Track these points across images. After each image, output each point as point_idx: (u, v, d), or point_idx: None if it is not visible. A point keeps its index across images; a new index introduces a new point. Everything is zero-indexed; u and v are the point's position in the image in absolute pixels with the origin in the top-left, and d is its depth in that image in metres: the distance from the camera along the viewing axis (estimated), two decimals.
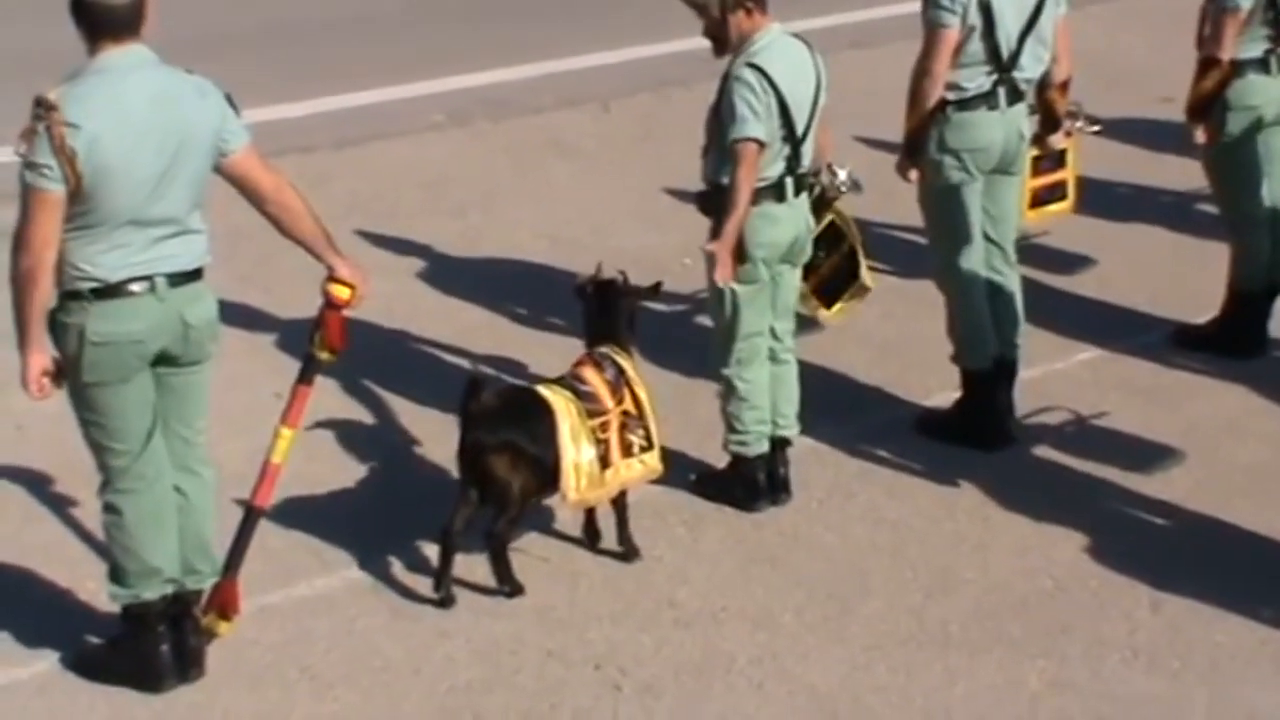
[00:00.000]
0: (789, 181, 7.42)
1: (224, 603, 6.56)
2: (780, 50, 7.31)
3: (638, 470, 7.14)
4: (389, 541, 7.39)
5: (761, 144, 7.21)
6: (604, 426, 7.00)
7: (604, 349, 7.25)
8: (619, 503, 7.22)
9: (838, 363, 8.61)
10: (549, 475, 6.90)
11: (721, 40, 7.36)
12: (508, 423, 6.89)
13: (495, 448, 6.84)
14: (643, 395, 7.19)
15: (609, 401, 7.05)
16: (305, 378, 6.61)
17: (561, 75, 13.18)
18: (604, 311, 7.38)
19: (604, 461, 6.97)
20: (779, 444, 7.67)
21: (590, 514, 7.26)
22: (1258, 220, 8.95)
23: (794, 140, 7.35)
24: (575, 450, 6.89)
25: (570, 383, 7.08)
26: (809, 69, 7.39)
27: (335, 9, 14.73)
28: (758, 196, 7.33)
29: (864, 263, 8.01)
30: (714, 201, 7.37)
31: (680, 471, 7.79)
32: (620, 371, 7.17)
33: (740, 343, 7.54)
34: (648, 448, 7.14)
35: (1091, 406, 8.49)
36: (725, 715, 6.37)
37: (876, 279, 8.08)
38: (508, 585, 6.96)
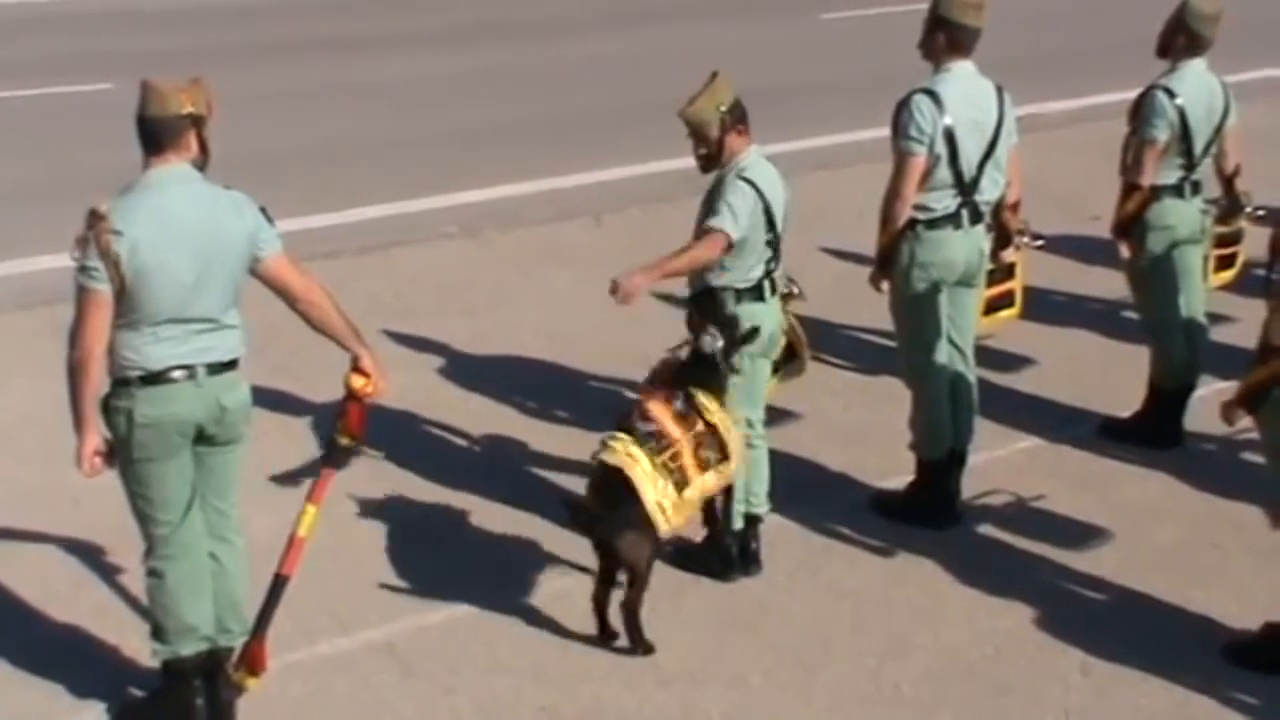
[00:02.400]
0: (766, 284, 7.43)
1: (252, 660, 6.52)
2: (762, 168, 7.36)
3: (713, 481, 7.10)
4: (401, 606, 7.34)
5: (731, 240, 7.23)
6: (675, 455, 6.93)
7: (676, 390, 7.19)
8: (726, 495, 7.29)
9: (805, 449, 8.59)
10: (651, 528, 6.87)
11: (713, 158, 7.38)
12: (611, 508, 6.85)
13: (615, 536, 6.84)
14: (717, 418, 7.12)
15: (676, 430, 6.97)
16: (329, 461, 6.61)
17: (560, 191, 13.21)
18: (701, 369, 7.27)
19: (680, 486, 6.91)
20: (751, 520, 7.62)
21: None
22: (1174, 326, 8.94)
23: (775, 246, 7.37)
24: (654, 490, 6.84)
25: (632, 425, 7.00)
26: (780, 186, 7.43)
27: (359, 131, 14.79)
28: (740, 297, 7.34)
29: (803, 346, 8.07)
30: (704, 302, 7.38)
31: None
32: (690, 399, 7.11)
33: None
34: (723, 459, 7.08)
35: (1029, 490, 8.46)
36: None
37: (838, 371, 8.06)
38: (640, 647, 6.93)
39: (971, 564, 7.74)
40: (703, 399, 7.13)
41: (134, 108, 6.16)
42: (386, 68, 17.10)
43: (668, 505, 6.86)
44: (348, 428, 6.54)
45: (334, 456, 6.62)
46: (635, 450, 6.88)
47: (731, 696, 6.74)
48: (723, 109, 7.28)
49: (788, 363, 8.10)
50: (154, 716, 6.45)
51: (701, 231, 7.33)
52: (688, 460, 6.95)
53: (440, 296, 11.06)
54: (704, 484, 7.05)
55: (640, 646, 6.91)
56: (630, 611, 6.92)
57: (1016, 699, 6.76)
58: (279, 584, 6.55)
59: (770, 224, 7.32)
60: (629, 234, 12.11)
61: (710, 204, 7.34)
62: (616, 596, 6.99)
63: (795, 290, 7.97)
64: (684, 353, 7.36)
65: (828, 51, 17.83)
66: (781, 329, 7.87)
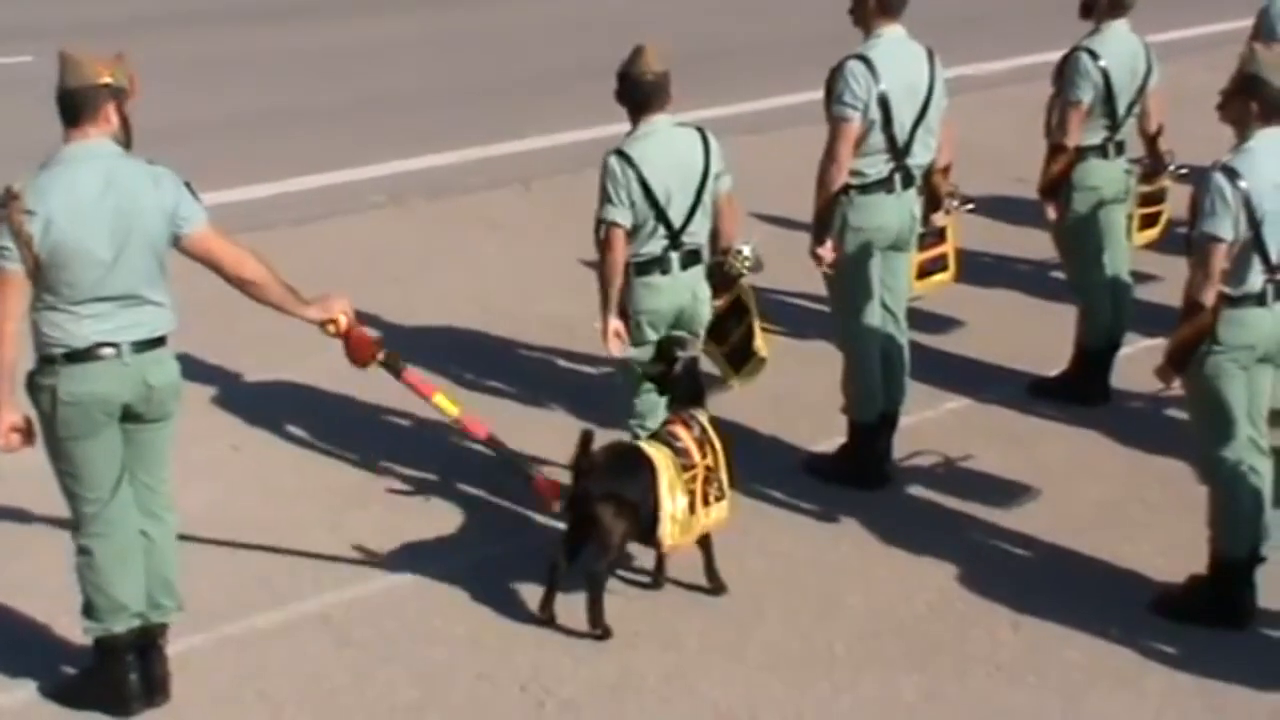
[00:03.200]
0: (673, 256, 7.43)
1: (549, 491, 6.96)
2: (658, 139, 7.34)
3: (714, 516, 7.07)
4: (335, 577, 7.35)
5: (622, 227, 7.29)
6: (693, 478, 6.93)
7: (691, 410, 7.17)
8: (706, 544, 7.14)
9: (737, 413, 8.60)
10: (647, 523, 6.83)
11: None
12: (615, 475, 6.83)
13: (602, 498, 6.77)
14: (719, 451, 7.11)
15: (697, 456, 6.98)
16: (399, 376, 6.97)
17: (488, 159, 13.18)
18: (691, 380, 7.27)
19: (691, 509, 6.91)
20: None
21: (660, 558, 7.19)
22: (1100, 286, 9.03)
23: (665, 220, 7.36)
24: (672, 502, 6.83)
25: (667, 438, 7.01)
26: (693, 155, 7.40)
27: (292, 101, 14.72)
28: (641, 269, 7.37)
29: (759, 336, 7.99)
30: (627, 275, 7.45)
31: None
32: (704, 429, 7.10)
33: (640, 398, 7.55)
34: (721, 497, 7.08)
35: (959, 450, 8.52)
36: None
37: (771, 345, 8.07)
38: (599, 628, 6.83)
39: (902, 524, 7.80)
40: (711, 431, 7.14)
41: (54, 81, 6.12)
42: (313, 36, 17.03)
43: (679, 518, 6.86)
44: (363, 356, 6.80)
45: (396, 370, 6.92)
46: (670, 457, 6.90)
47: (668, 658, 6.78)
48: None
49: (747, 357, 8.02)
50: (87, 693, 6.42)
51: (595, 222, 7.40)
52: (699, 487, 6.97)
53: (369, 266, 11.03)
54: (706, 518, 7.03)
55: (599, 627, 6.84)
56: (595, 583, 6.84)
57: (947, 655, 6.82)
58: (493, 443, 7.03)
59: (651, 201, 7.30)
60: (558, 200, 12.13)
61: None
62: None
63: (745, 265, 7.70)
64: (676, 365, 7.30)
65: (761, 13, 17.86)
66: (749, 311, 7.88)
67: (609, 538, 6.82)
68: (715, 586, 7.21)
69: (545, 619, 6.92)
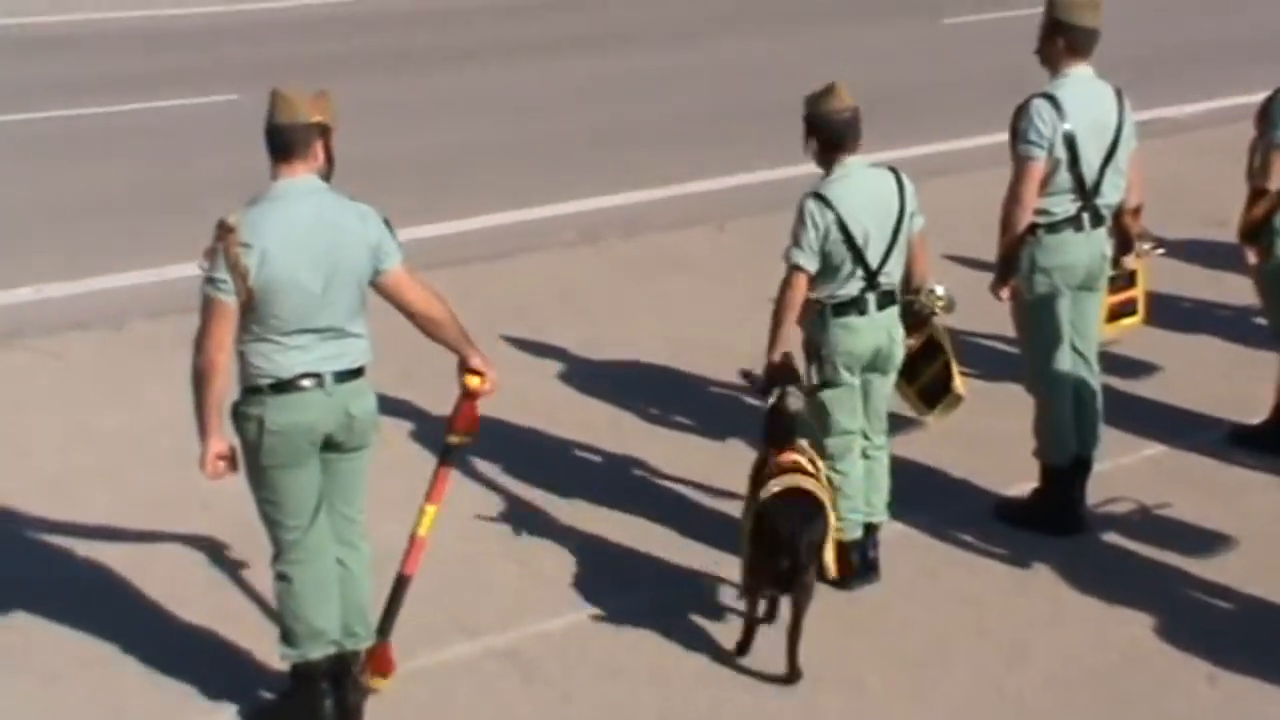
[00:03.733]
0: (869, 298, 7.40)
1: (380, 662, 6.65)
2: (854, 181, 7.32)
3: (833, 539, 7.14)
4: (522, 612, 7.41)
5: (806, 272, 7.28)
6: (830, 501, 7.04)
7: (794, 444, 7.16)
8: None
9: (928, 456, 8.58)
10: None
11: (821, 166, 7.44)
12: (808, 524, 6.79)
13: (805, 549, 6.77)
14: (822, 470, 7.19)
15: (822, 480, 7.06)
16: (445, 460, 6.73)
17: (681, 198, 13.26)
18: (784, 425, 7.19)
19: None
20: (870, 529, 7.63)
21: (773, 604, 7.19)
22: None
23: (863, 261, 7.34)
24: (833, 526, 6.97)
25: (800, 467, 7.01)
26: (889, 197, 7.37)
27: (480, 138, 14.92)
28: (838, 310, 7.35)
29: (957, 375, 7.96)
30: (809, 315, 7.45)
31: None
32: (811, 458, 7.15)
33: (833, 439, 7.53)
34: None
35: (1155, 498, 8.41)
36: None
37: (967, 386, 8.04)
38: (795, 672, 6.83)
39: (1096, 571, 7.71)
40: (812, 454, 7.18)
41: (259, 118, 6.27)
42: (506, 76, 17.24)
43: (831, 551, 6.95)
44: (460, 426, 6.67)
45: (449, 456, 6.74)
46: (822, 489, 6.93)
47: (850, 701, 6.76)
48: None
49: (944, 393, 7.97)
50: (284, 718, 6.55)
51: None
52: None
53: (560, 302, 11.14)
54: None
55: (795, 671, 6.83)
56: (796, 634, 6.83)
57: (1141, 709, 6.73)
58: (401, 584, 6.68)
59: (848, 240, 7.26)
60: (751, 240, 12.15)
61: None
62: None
63: (939, 305, 7.74)
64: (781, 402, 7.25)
65: (948, 56, 17.79)
66: (944, 349, 7.87)
67: (811, 589, 6.83)
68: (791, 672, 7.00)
69: (742, 653, 6.96)
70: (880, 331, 7.48)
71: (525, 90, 16.58)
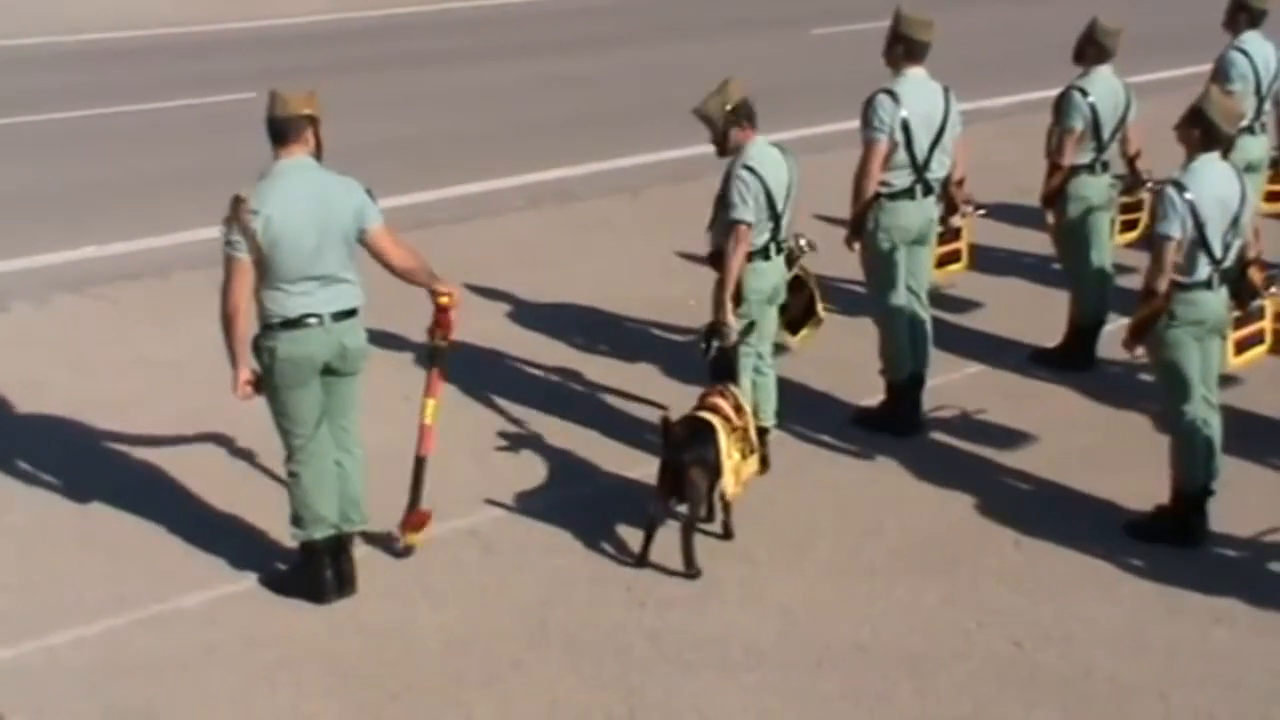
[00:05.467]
0: (771, 246, 7.41)
1: (416, 522, 6.75)
2: (765, 155, 7.30)
3: (750, 468, 7.03)
4: (480, 500, 7.42)
5: (749, 224, 7.22)
6: (738, 438, 6.88)
7: (725, 385, 7.12)
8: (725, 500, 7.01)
9: (800, 375, 8.61)
10: (716, 476, 6.76)
11: (720, 146, 7.36)
12: (696, 443, 6.71)
13: (691, 463, 6.67)
14: (749, 415, 7.09)
15: (736, 420, 6.93)
16: (434, 362, 6.74)
17: (606, 172, 13.21)
18: (726, 362, 7.20)
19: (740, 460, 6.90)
20: (762, 431, 7.61)
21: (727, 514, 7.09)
22: (1088, 275, 8.97)
23: (776, 218, 7.35)
24: (730, 459, 6.77)
25: (716, 406, 6.93)
26: (784, 168, 7.36)
27: (448, 126, 14.81)
28: (750, 257, 7.33)
29: (820, 303, 8.01)
30: (719, 261, 7.39)
31: None
32: (736, 399, 7.06)
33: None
34: (753, 451, 7.04)
35: (975, 406, 8.49)
36: (720, 624, 6.41)
37: (827, 314, 8.08)
38: (692, 568, 6.69)
39: (929, 464, 7.80)
40: (741, 400, 7.08)
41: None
42: (464, 76, 17.09)
43: (733, 472, 6.79)
44: (441, 333, 6.67)
45: (437, 358, 6.73)
46: (725, 425, 6.82)
47: (742, 569, 6.83)
48: (728, 107, 7.23)
49: (808, 317, 8.00)
50: (294, 585, 6.58)
51: (725, 223, 7.26)
52: (742, 445, 6.90)
53: (511, 256, 11.10)
54: (746, 470, 6.97)
55: (692, 567, 6.70)
56: (687, 531, 6.73)
57: (964, 568, 6.84)
58: (420, 464, 6.75)
59: (770, 201, 7.28)
60: (660, 206, 12.14)
61: (724, 192, 7.29)
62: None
63: (805, 248, 7.74)
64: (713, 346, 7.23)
65: (816, 60, 17.74)
66: (809, 283, 7.86)
67: (697, 492, 6.72)
68: (726, 534, 7.06)
69: (642, 563, 6.78)
70: (779, 272, 7.51)
71: (479, 88, 16.45)
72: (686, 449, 6.70)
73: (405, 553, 6.73)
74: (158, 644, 6.24)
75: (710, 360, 7.25)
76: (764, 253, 7.39)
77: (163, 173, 12.91)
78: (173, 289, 10.22)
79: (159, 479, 7.61)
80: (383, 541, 6.88)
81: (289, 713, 5.84)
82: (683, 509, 6.76)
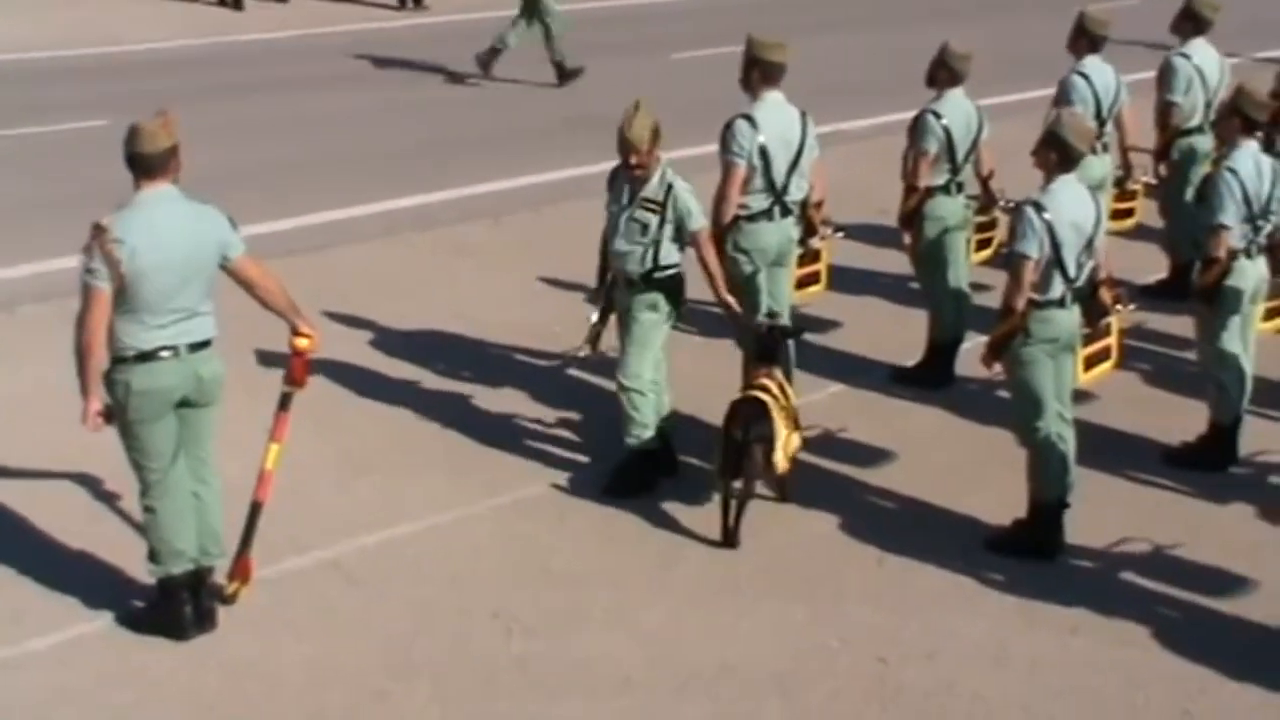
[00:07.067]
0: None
1: (243, 571, 6.61)
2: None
3: (795, 442, 7.44)
4: (347, 529, 7.37)
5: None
6: (786, 414, 7.29)
7: (770, 368, 7.49)
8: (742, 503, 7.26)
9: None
10: (771, 451, 7.14)
11: (643, 167, 7.45)
12: (755, 423, 7.10)
13: (753, 441, 7.06)
14: (791, 396, 7.52)
15: (783, 399, 7.31)
16: (282, 407, 6.67)
17: (466, 198, 13.16)
18: (772, 347, 7.62)
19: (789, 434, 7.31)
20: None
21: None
22: (946, 294, 9.13)
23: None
24: (783, 434, 7.18)
25: (766, 386, 7.32)
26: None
27: (303, 154, 14.67)
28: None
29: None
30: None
31: (582, 472, 7.90)
32: (779, 379, 7.47)
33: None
34: (797, 427, 7.48)
35: (837, 424, 8.58)
36: (587, 650, 6.43)
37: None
38: (734, 540, 7.13)
39: (792, 483, 7.83)
40: (783, 380, 7.51)
41: (123, 138, 6.17)
42: (325, 102, 16.95)
43: (783, 447, 7.18)
44: (293, 379, 6.62)
45: (285, 403, 6.67)
46: (776, 403, 7.20)
47: (609, 594, 6.85)
48: (656, 128, 7.43)
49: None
50: (152, 621, 6.47)
51: (697, 237, 7.55)
52: (786, 421, 7.29)
53: (370, 285, 11.00)
54: (792, 442, 7.37)
55: (734, 539, 7.14)
56: (742, 505, 7.14)
57: (828, 586, 6.93)
58: (256, 509, 6.63)
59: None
60: (521, 231, 12.12)
61: (680, 209, 7.47)
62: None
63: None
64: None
65: (676, 84, 17.87)
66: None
67: (758, 468, 7.11)
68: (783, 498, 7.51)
69: (730, 543, 7.13)
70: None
71: (334, 115, 16.31)
72: (748, 428, 6.99)
73: (231, 599, 6.63)
74: (7, 689, 6.09)
75: (755, 344, 7.64)
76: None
77: (8, 202, 12.61)
78: (18, 322, 9.98)
79: (5, 518, 7.43)
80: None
81: None
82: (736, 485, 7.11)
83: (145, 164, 6.13)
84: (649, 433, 7.59)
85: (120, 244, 5.98)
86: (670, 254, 7.51)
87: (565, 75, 16.78)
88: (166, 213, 6.13)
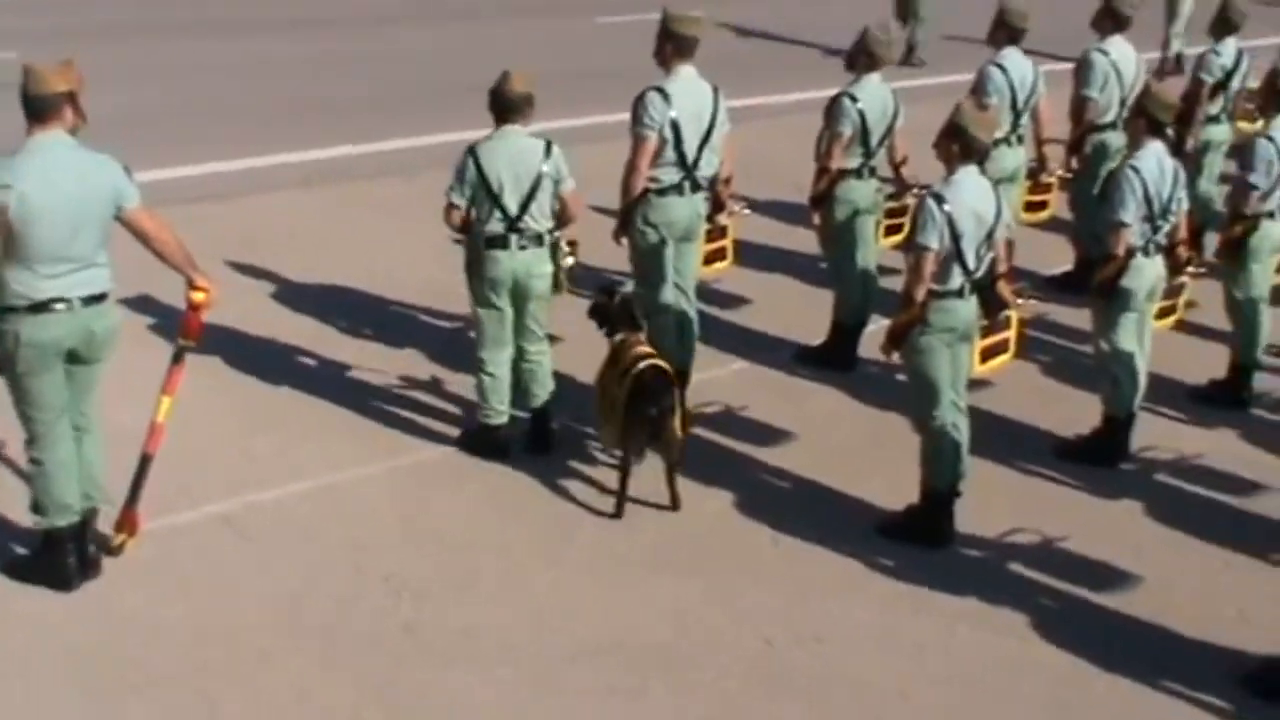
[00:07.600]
0: (511, 237, 7.47)
1: (129, 524, 6.52)
2: (504, 143, 7.43)
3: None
4: (241, 485, 7.31)
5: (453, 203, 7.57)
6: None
7: (635, 332, 7.47)
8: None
9: (562, 365, 8.56)
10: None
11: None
12: (664, 394, 7.10)
13: (666, 411, 7.08)
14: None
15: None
16: (176, 360, 6.57)
17: (382, 153, 13.06)
18: (627, 310, 7.54)
19: None
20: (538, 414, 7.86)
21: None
22: (853, 276, 9.17)
23: (500, 206, 7.42)
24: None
25: (651, 353, 7.29)
26: (531, 158, 7.44)
27: (218, 99, 14.47)
28: (488, 243, 7.49)
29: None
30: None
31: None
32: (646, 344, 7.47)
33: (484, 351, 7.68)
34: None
35: (739, 401, 8.61)
36: (476, 617, 6.42)
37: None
38: (677, 501, 7.26)
39: (691, 459, 7.74)
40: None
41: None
42: (248, 47, 16.74)
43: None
44: (188, 333, 6.53)
45: (179, 356, 6.58)
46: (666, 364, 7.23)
47: (500, 562, 6.84)
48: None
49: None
50: (37, 571, 6.39)
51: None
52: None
53: (278, 236, 10.89)
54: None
55: (677, 500, 7.25)
56: (672, 474, 7.23)
57: (721, 564, 6.94)
58: (145, 462, 6.54)
59: (487, 189, 7.39)
60: (436, 189, 11.95)
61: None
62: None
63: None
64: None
65: (598, 49, 17.80)
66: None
67: (676, 435, 7.15)
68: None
69: (616, 513, 7.18)
70: (520, 263, 7.51)
71: (256, 61, 16.11)
72: (659, 400, 7.02)
73: (117, 551, 6.55)
74: None
75: (610, 310, 7.53)
76: (501, 242, 7.49)
77: None
78: None
79: None
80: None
81: (25, 704, 5.67)
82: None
83: (35, 108, 6.01)
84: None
85: (8, 189, 5.87)
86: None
87: None
88: (59, 159, 6.00)
